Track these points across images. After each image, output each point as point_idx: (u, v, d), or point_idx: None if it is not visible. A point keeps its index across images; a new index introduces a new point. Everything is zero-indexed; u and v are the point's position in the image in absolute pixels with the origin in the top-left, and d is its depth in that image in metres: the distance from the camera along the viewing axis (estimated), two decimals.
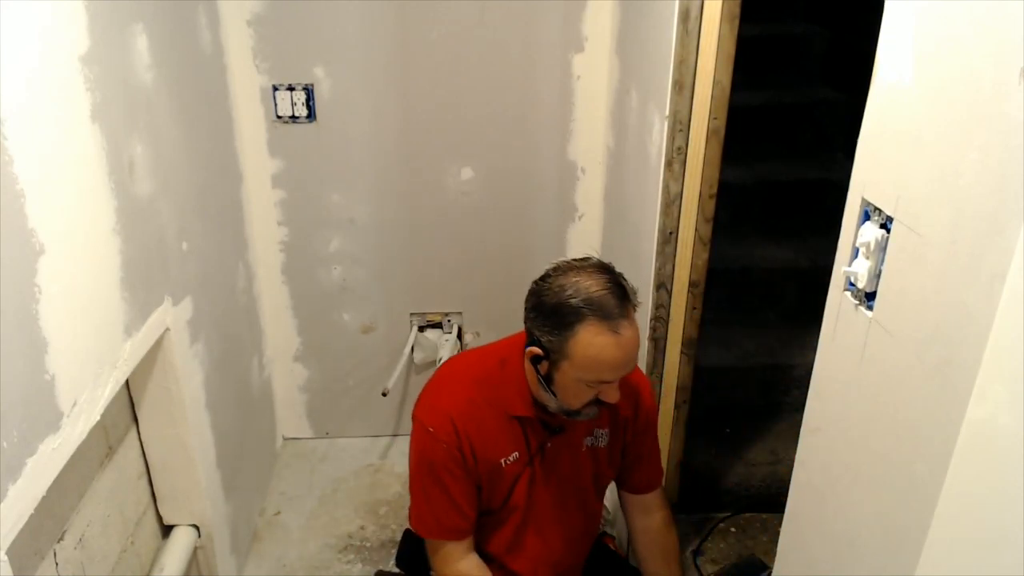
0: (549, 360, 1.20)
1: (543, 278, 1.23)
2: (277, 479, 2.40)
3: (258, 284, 2.28)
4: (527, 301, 1.24)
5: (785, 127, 2.84)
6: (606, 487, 1.52)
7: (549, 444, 1.36)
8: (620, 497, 1.55)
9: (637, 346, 1.19)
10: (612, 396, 1.23)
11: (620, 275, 1.21)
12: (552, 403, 1.27)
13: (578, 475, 1.42)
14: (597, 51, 2.10)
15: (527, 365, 1.28)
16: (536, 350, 1.21)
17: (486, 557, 1.40)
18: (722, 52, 1.44)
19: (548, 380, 1.23)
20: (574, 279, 1.17)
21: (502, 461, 1.33)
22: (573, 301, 1.15)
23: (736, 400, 2.38)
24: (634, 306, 1.19)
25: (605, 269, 1.20)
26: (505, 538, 1.40)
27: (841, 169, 1.14)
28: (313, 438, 2.59)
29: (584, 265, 1.21)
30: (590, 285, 1.16)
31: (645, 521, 1.53)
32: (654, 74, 1.59)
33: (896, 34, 0.83)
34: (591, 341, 1.14)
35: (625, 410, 1.40)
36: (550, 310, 1.18)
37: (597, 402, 1.24)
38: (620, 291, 1.17)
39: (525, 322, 1.25)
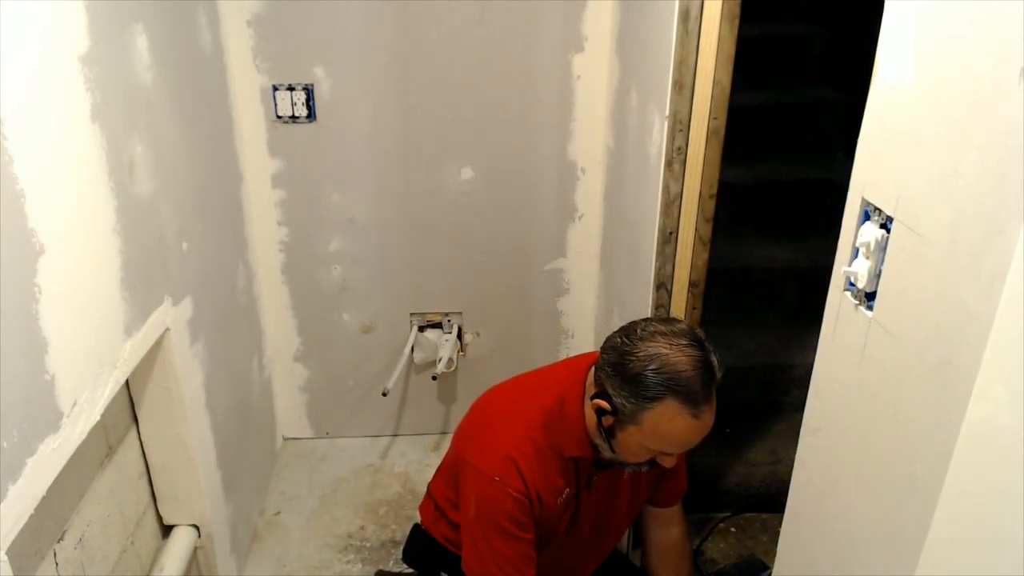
0: (616, 418, 1.17)
1: (627, 335, 1.17)
2: (277, 479, 2.40)
3: (258, 284, 2.28)
4: (606, 354, 1.18)
5: (785, 127, 2.84)
6: (640, 510, 1.51)
7: (595, 477, 1.35)
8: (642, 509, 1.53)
9: (711, 427, 1.15)
10: (669, 463, 1.20)
11: (710, 349, 1.15)
12: (607, 453, 1.24)
13: (616, 502, 1.41)
14: (597, 51, 2.10)
15: (588, 411, 1.23)
16: (604, 405, 1.17)
17: None
18: (722, 52, 1.44)
19: (609, 434, 1.19)
20: (664, 351, 1.11)
21: (556, 500, 1.31)
22: (659, 377, 1.10)
23: (736, 400, 2.38)
24: (718, 383, 1.14)
25: (696, 342, 1.14)
26: (539, 559, 1.39)
27: (841, 169, 1.14)
28: (313, 438, 2.59)
29: (673, 331, 1.15)
30: (679, 362, 1.10)
31: (663, 533, 1.52)
32: (654, 74, 1.59)
33: (896, 34, 0.83)
34: (670, 418, 1.11)
35: None
36: (632, 377, 1.12)
37: (652, 462, 1.22)
38: (708, 371, 1.12)
39: (598, 371, 1.20)
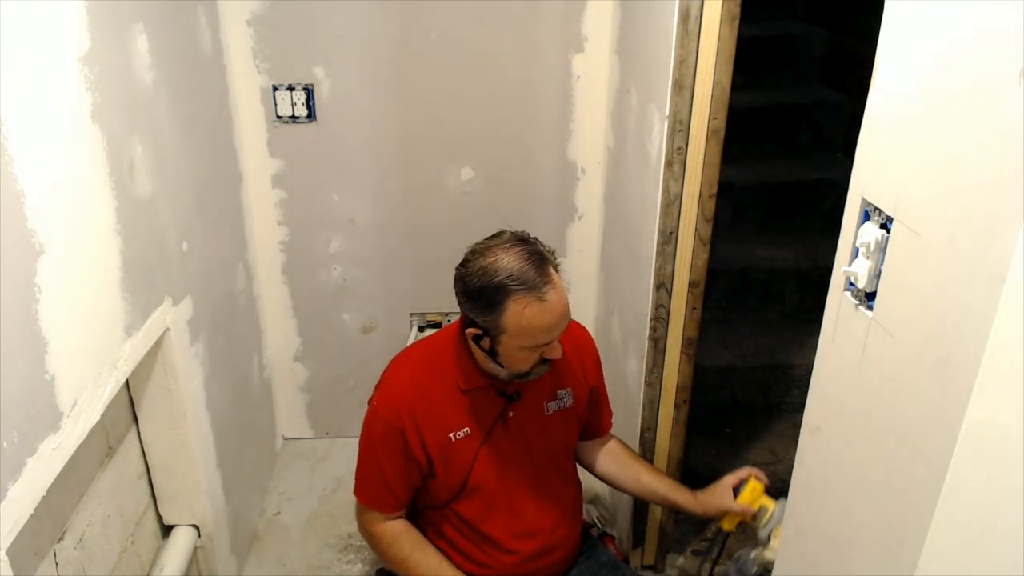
0: (489, 336, 1.27)
1: (464, 264, 1.28)
2: (277, 479, 2.40)
3: (258, 284, 2.28)
4: (455, 287, 1.29)
5: (785, 127, 2.84)
6: (574, 445, 1.57)
7: (511, 414, 1.40)
8: (577, 448, 1.59)
9: (566, 304, 1.25)
10: (555, 353, 1.30)
11: (536, 241, 1.27)
12: (503, 372, 1.33)
13: (549, 440, 1.45)
14: (597, 51, 2.10)
15: (471, 343, 1.33)
16: (475, 330, 1.28)
17: (465, 533, 1.43)
18: (722, 52, 1.44)
19: (493, 354, 1.30)
20: (492, 258, 1.23)
21: (451, 436, 1.36)
22: (496, 280, 1.21)
23: (736, 400, 2.38)
24: (554, 267, 1.25)
25: (520, 240, 1.26)
26: (483, 514, 1.41)
27: (841, 169, 1.14)
28: (313, 438, 2.59)
29: (499, 242, 1.26)
30: (508, 261, 1.22)
31: (604, 449, 1.59)
32: (654, 74, 1.59)
33: (896, 34, 0.83)
34: (521, 313, 1.21)
35: (575, 364, 1.48)
36: (476, 293, 1.23)
37: (543, 361, 1.31)
38: (538, 259, 1.23)
39: (459, 306, 1.30)
